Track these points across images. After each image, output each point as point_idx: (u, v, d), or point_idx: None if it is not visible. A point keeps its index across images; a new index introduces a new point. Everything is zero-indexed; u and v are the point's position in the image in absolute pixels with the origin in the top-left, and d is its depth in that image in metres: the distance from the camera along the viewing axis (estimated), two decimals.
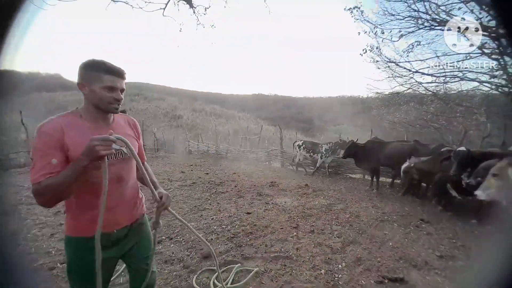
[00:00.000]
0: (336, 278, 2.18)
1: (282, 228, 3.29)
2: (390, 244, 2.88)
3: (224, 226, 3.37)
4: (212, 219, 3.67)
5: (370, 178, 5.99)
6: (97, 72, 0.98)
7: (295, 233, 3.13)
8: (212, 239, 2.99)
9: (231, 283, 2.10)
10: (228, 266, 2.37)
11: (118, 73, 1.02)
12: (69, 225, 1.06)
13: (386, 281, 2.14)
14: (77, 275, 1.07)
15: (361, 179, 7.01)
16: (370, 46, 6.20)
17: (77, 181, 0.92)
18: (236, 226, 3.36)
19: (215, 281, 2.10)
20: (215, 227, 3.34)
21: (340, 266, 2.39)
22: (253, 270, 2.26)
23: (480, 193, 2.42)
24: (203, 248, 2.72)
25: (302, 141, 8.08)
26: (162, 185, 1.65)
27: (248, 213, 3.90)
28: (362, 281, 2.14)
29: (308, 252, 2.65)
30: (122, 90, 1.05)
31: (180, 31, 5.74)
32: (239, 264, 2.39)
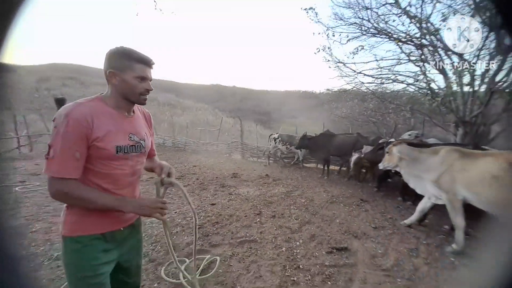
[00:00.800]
0: (295, 253, 2.50)
1: (246, 216, 3.50)
2: (338, 221, 3.39)
3: (189, 219, 3.39)
4: (176, 212, 3.64)
5: (322, 167, 6.72)
6: (129, 61, 0.93)
7: (258, 219, 3.38)
8: (177, 231, 3.00)
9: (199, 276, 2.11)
10: (198, 257, 2.40)
11: (148, 62, 0.98)
12: (73, 223, 0.92)
13: (334, 250, 2.56)
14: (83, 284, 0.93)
15: (314, 168, 7.77)
16: (323, 46, 6.73)
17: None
18: (202, 217, 3.43)
19: (185, 272, 2.15)
20: (179, 220, 3.34)
21: (298, 243, 2.73)
22: (217, 260, 2.32)
23: (380, 165, 3.40)
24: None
25: (278, 134, 8.27)
26: None
27: (213, 204, 3.99)
28: (316, 253, 2.51)
29: (270, 234, 2.93)
30: (150, 81, 1.01)
31: (137, 15, 5.28)
32: (209, 256, 2.41)
